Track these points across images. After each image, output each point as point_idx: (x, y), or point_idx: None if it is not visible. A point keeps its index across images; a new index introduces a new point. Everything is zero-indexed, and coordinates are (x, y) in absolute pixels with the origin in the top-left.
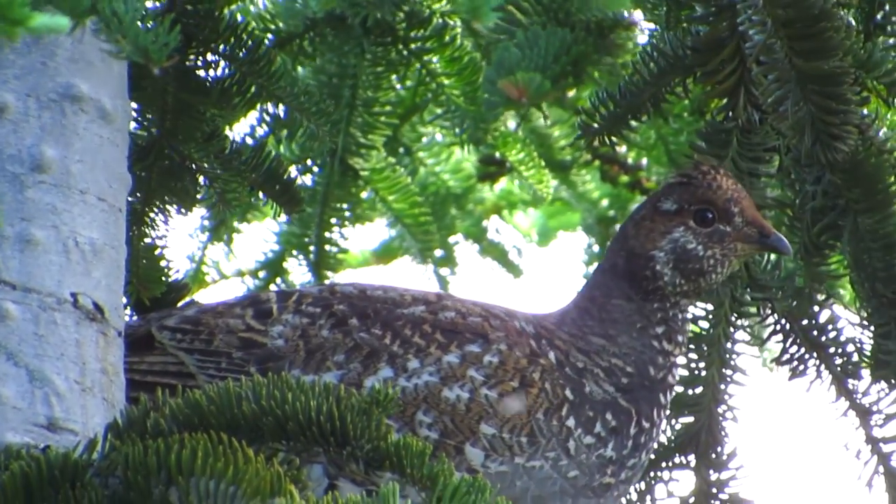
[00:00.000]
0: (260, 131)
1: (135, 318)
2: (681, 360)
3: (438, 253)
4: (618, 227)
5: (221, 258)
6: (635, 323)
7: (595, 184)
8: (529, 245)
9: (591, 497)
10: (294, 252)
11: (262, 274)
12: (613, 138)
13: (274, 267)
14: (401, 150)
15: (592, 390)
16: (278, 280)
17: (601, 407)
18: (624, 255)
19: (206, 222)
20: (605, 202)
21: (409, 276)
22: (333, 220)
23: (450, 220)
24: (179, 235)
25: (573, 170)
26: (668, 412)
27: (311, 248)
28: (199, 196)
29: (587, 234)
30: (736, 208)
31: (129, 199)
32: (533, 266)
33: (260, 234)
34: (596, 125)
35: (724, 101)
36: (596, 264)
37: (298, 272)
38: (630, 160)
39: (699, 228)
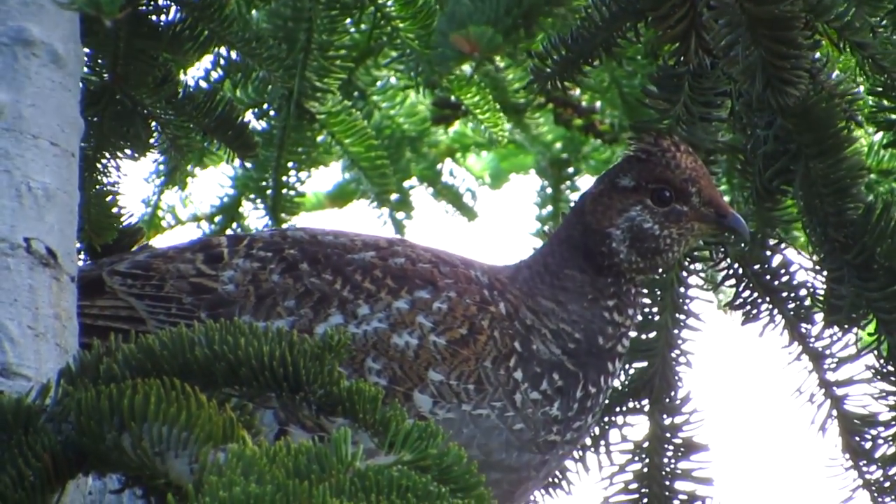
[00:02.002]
0: (215, 75)
1: (87, 262)
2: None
3: (394, 197)
4: (570, 170)
5: (177, 203)
6: (586, 294)
7: (549, 126)
8: (482, 188)
9: (535, 452)
10: (251, 196)
11: (217, 219)
12: (566, 83)
13: (229, 212)
14: (355, 93)
15: (539, 349)
16: (234, 225)
17: (548, 366)
18: (580, 228)
19: (161, 167)
20: (558, 145)
21: (364, 219)
22: (290, 164)
23: (405, 163)
24: (133, 181)
25: (527, 113)
26: (615, 381)
27: (269, 192)
28: (151, 141)
29: (540, 176)
30: (693, 188)
31: (82, 144)
32: (487, 209)
33: (215, 179)
34: (548, 70)
35: (676, 45)
36: (549, 207)
37: (255, 217)
38: (584, 103)
39: (656, 208)
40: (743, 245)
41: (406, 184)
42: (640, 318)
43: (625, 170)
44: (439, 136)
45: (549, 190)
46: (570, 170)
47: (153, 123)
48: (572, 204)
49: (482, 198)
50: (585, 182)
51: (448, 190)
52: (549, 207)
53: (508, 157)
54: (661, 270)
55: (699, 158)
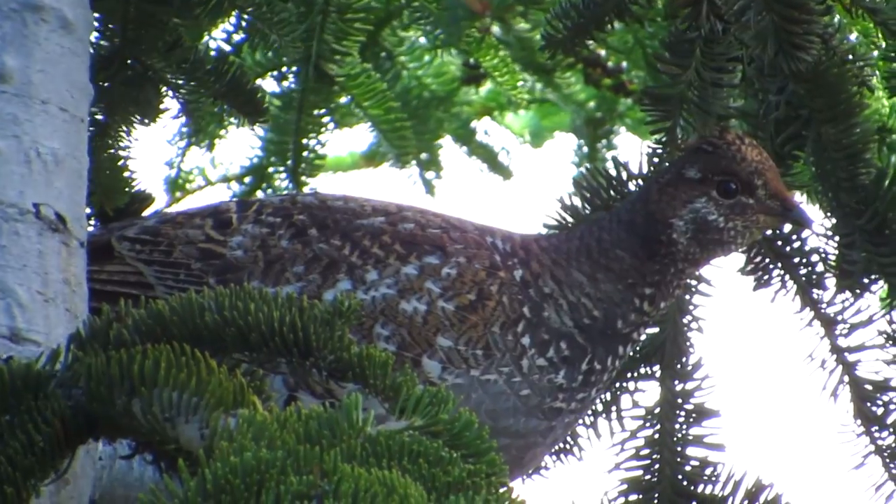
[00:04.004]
0: (236, 38)
1: (97, 227)
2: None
3: (424, 156)
4: (606, 128)
5: (207, 164)
6: (627, 278)
7: (580, 86)
8: (523, 146)
9: (541, 419)
10: (272, 159)
11: (247, 179)
12: (577, 48)
13: (259, 172)
14: (382, 54)
15: (551, 317)
16: (264, 185)
17: (556, 335)
18: (643, 216)
19: (185, 129)
20: (591, 104)
21: (394, 180)
22: (310, 127)
23: (434, 123)
24: (144, 145)
25: (556, 73)
26: (624, 361)
27: (289, 154)
28: (161, 107)
29: (576, 135)
30: (760, 181)
31: (92, 109)
32: (523, 168)
33: (245, 140)
34: (559, 35)
35: (688, 10)
36: (586, 166)
37: (280, 178)
38: (610, 64)
39: (722, 200)
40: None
41: (437, 143)
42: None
43: (691, 161)
44: (472, 96)
45: (585, 149)
46: (606, 128)
47: (164, 88)
48: (609, 163)
49: (517, 157)
50: (622, 140)
51: (482, 149)
52: (587, 166)
53: (549, 115)
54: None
55: (765, 152)
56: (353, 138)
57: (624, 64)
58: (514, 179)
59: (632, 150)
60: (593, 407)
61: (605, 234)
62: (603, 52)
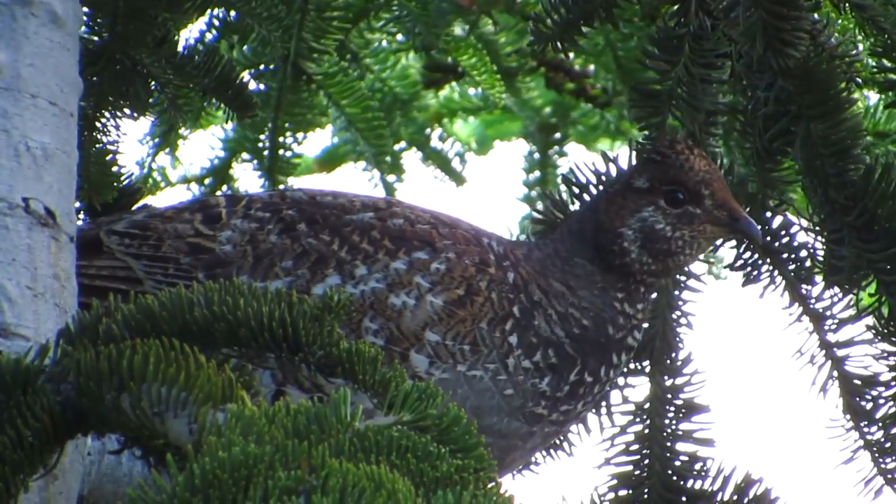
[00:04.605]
0: (209, 36)
1: (86, 222)
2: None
3: (387, 159)
4: (558, 135)
5: (167, 164)
6: (597, 283)
7: (539, 91)
8: (469, 153)
9: (522, 422)
10: (246, 157)
11: (207, 181)
12: (565, 44)
13: (220, 173)
14: (348, 56)
15: (541, 325)
16: (224, 187)
17: (545, 342)
18: (592, 225)
19: (158, 129)
20: (547, 110)
21: (353, 183)
22: (287, 125)
23: (396, 126)
24: (132, 140)
25: (518, 77)
26: (621, 371)
27: (265, 153)
28: (150, 101)
29: (528, 141)
30: (707, 191)
31: (81, 104)
32: (476, 174)
33: (206, 141)
34: (548, 31)
35: (676, 6)
36: (537, 172)
37: (247, 178)
38: (577, 67)
39: (669, 209)
40: (744, 207)
41: (396, 147)
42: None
43: (640, 171)
44: (429, 101)
45: (536, 155)
46: (558, 135)
47: (153, 83)
48: (560, 170)
49: (471, 163)
50: (573, 148)
51: (437, 155)
52: (537, 172)
53: (494, 124)
54: (673, 273)
55: (713, 162)
56: (306, 143)
57: (591, 67)
58: (467, 185)
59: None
60: (568, 429)
61: (559, 244)
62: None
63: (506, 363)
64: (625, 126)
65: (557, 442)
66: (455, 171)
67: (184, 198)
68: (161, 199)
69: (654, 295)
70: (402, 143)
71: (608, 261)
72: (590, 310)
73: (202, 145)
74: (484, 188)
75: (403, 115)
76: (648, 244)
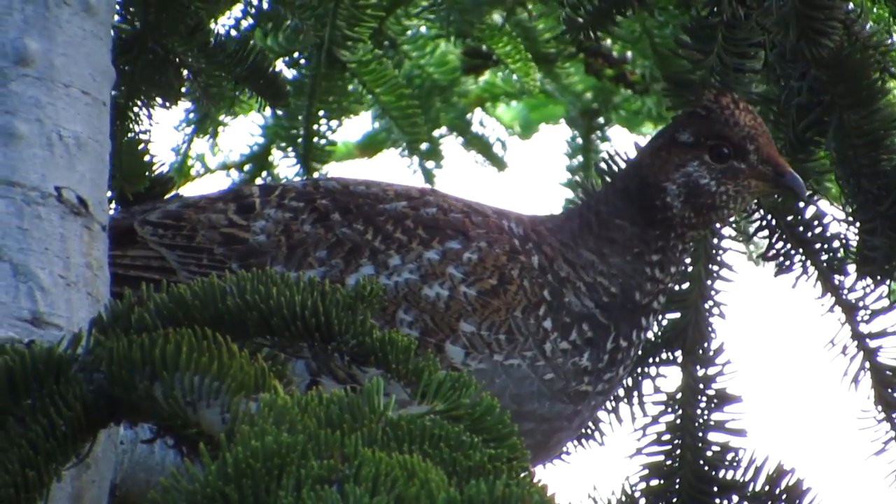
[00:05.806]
0: (244, 24)
1: (119, 211)
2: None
3: (424, 146)
4: (600, 120)
5: (206, 151)
6: (633, 247)
7: (579, 76)
8: (512, 138)
9: (567, 403)
10: (282, 144)
11: (247, 167)
12: (598, 33)
13: (259, 160)
14: (386, 43)
15: (571, 301)
16: (263, 173)
17: (578, 317)
18: (637, 181)
19: (192, 115)
20: (588, 95)
21: (393, 169)
22: (321, 113)
23: (435, 112)
24: (164, 129)
25: (558, 63)
26: (649, 334)
27: (300, 140)
28: (182, 90)
29: (570, 126)
30: (752, 146)
31: (113, 93)
32: (517, 159)
33: (245, 128)
34: (581, 20)
35: None
36: (579, 157)
37: (284, 165)
38: (615, 53)
39: (714, 164)
40: (777, 196)
41: (436, 133)
42: (679, 275)
43: (685, 125)
44: (469, 86)
45: (579, 140)
46: (601, 120)
47: (185, 72)
48: (603, 154)
49: (512, 148)
50: (616, 132)
51: (478, 140)
52: (580, 157)
53: (538, 108)
54: (715, 225)
55: (759, 116)
56: (346, 128)
57: (629, 54)
58: (509, 170)
59: (624, 142)
60: (615, 392)
61: (602, 205)
62: (607, 42)
63: (543, 349)
64: (667, 112)
65: (589, 431)
66: (496, 156)
67: (223, 185)
68: (199, 187)
69: (688, 259)
70: (443, 129)
71: (651, 215)
72: (618, 276)
73: (242, 132)
74: (526, 173)
75: (443, 101)
76: (692, 199)
